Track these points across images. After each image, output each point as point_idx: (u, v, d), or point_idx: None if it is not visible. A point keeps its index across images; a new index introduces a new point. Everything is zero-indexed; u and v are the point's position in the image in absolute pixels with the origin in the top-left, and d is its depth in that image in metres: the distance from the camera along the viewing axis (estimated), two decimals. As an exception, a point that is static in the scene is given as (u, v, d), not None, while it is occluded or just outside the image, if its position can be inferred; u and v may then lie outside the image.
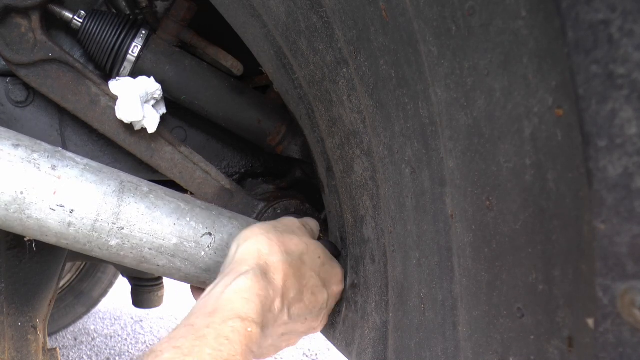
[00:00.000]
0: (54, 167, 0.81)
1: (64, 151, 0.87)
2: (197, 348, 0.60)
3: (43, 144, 0.85)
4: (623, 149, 0.31)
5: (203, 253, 0.91)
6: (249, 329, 0.65)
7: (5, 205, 0.78)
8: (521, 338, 0.45)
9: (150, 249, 0.88)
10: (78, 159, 0.87)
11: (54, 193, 0.80)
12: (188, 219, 0.91)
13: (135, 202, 0.87)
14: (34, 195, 0.79)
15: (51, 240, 0.85)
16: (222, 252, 0.92)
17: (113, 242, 0.85)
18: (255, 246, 0.80)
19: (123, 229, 0.85)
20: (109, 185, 0.85)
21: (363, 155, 0.79)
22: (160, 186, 0.94)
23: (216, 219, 0.94)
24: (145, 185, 0.91)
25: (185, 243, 0.89)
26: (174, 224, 0.89)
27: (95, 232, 0.84)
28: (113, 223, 0.84)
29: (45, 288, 1.14)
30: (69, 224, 0.82)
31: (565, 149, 0.37)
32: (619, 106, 0.31)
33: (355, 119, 0.77)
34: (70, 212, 0.82)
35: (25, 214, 0.80)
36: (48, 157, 0.82)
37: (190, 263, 0.91)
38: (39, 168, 0.80)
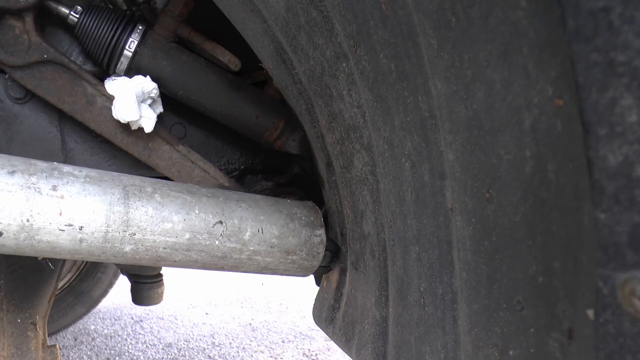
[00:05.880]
0: (54, 188, 0.80)
1: (61, 166, 0.85)
2: None
3: (38, 163, 0.83)
4: (623, 137, 0.31)
5: (217, 242, 0.91)
6: None
7: (14, 234, 0.77)
8: (521, 331, 0.45)
9: (164, 248, 0.88)
10: (76, 171, 0.85)
11: (60, 214, 0.80)
12: (197, 211, 0.91)
13: (142, 206, 0.86)
14: (41, 220, 0.78)
15: (65, 256, 0.85)
16: (235, 237, 0.93)
17: (127, 249, 0.85)
18: None
19: (135, 234, 0.85)
20: (113, 194, 0.84)
21: (363, 150, 0.78)
22: (163, 181, 0.94)
23: (224, 205, 0.94)
24: (148, 185, 0.90)
25: (198, 236, 0.90)
26: (184, 220, 0.89)
27: (108, 243, 0.83)
28: (124, 231, 0.84)
29: (45, 285, 1.14)
30: (81, 240, 0.82)
31: (565, 139, 0.37)
32: (619, 94, 0.31)
33: (355, 113, 0.77)
34: (80, 229, 0.81)
35: (35, 240, 0.79)
36: (46, 177, 0.81)
37: (206, 254, 0.91)
38: (40, 192, 0.79)
